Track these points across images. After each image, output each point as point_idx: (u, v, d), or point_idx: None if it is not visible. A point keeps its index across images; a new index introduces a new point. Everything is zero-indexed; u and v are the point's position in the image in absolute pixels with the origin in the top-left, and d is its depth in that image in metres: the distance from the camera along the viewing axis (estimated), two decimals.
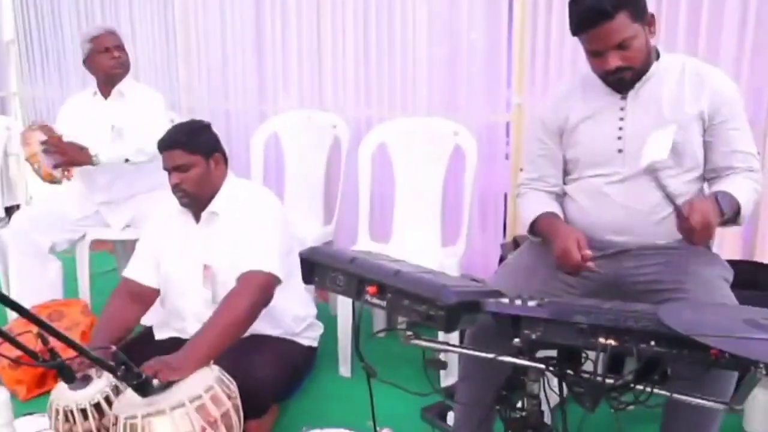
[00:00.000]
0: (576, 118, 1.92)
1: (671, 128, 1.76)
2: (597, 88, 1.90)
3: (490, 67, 3.09)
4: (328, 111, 3.40)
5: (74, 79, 4.28)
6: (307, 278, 1.52)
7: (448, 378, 2.53)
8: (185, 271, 2.27)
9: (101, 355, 1.69)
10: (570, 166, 1.99)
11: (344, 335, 2.69)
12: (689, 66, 1.86)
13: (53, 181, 2.85)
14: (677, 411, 1.77)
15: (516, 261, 2.06)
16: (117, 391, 1.87)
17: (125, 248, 3.43)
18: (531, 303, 1.34)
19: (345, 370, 2.72)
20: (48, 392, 1.93)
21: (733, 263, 1.93)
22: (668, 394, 1.27)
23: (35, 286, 2.95)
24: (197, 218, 2.27)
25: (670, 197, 1.65)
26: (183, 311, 2.29)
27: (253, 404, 1.98)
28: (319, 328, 2.55)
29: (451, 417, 2.24)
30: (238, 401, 1.86)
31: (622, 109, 1.87)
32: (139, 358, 1.79)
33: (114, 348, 1.72)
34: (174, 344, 2.27)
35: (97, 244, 3.18)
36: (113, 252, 3.63)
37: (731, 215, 1.74)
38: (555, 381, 1.39)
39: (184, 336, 2.26)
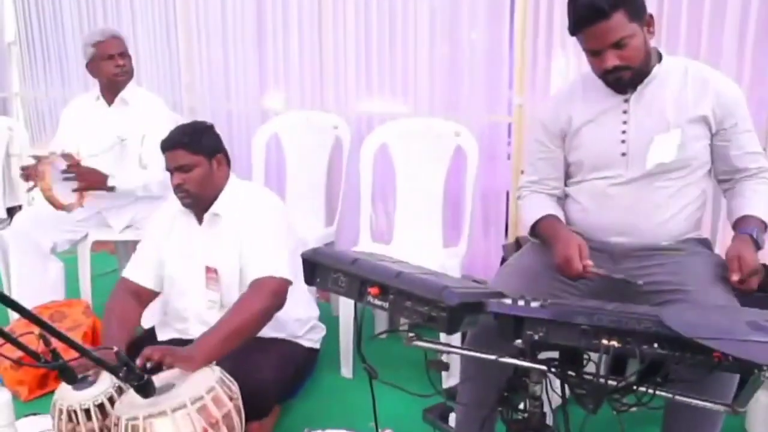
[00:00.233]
0: (579, 121, 1.92)
1: (677, 132, 1.77)
2: (599, 89, 1.90)
3: (491, 68, 3.09)
4: (330, 112, 3.40)
5: (76, 80, 4.28)
6: (309, 279, 1.52)
7: (450, 379, 2.53)
8: (187, 272, 2.27)
9: (103, 355, 1.69)
10: (573, 168, 1.99)
11: (346, 336, 2.69)
12: (692, 69, 1.86)
13: (65, 209, 2.83)
14: (678, 413, 1.77)
15: (518, 262, 2.06)
16: (120, 391, 1.87)
17: (126, 249, 3.43)
18: (533, 304, 1.34)
19: (346, 371, 2.72)
20: (50, 393, 1.94)
21: None
22: (671, 396, 1.27)
23: (37, 286, 2.95)
24: (199, 219, 2.27)
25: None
26: (185, 312, 2.30)
27: (254, 405, 1.98)
28: (322, 330, 2.55)
29: (452, 418, 2.24)
30: (240, 402, 1.86)
31: (625, 111, 1.87)
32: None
33: (116, 349, 1.72)
34: (176, 345, 2.28)
35: (98, 245, 3.18)
36: (114, 253, 3.63)
37: (762, 239, 1.79)
38: (557, 382, 1.39)
39: (185, 337, 2.27)
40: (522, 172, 2.19)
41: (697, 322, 1.23)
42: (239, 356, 2.05)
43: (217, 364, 1.96)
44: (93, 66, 2.99)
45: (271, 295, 2.08)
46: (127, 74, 3.01)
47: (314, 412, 2.44)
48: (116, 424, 1.74)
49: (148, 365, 1.83)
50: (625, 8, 1.71)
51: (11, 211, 3.55)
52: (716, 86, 1.83)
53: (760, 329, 1.18)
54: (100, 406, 1.83)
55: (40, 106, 4.57)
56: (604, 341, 1.24)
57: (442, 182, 2.98)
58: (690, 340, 1.14)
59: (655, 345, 1.22)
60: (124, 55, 3.00)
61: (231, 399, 1.82)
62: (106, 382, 1.88)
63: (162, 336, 2.34)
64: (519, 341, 1.34)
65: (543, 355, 1.38)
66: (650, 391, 1.24)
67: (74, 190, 2.85)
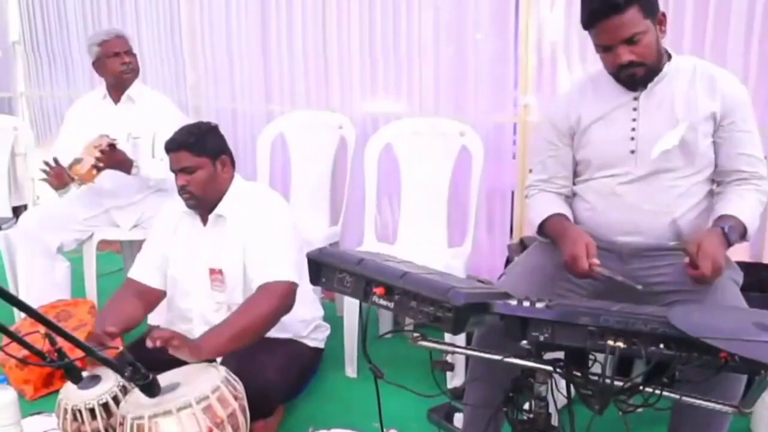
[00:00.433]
0: (588, 119, 1.92)
1: (682, 125, 1.77)
2: (608, 87, 1.89)
3: (496, 68, 3.08)
4: (335, 111, 3.40)
5: (81, 80, 4.29)
6: (314, 279, 1.52)
7: (455, 379, 2.53)
8: (191, 273, 2.27)
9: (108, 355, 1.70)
10: (581, 167, 1.99)
11: (351, 336, 2.69)
12: (701, 67, 1.86)
13: (79, 182, 2.78)
14: (685, 414, 1.76)
15: (523, 262, 2.06)
16: (125, 391, 1.88)
17: (132, 248, 3.43)
18: (539, 305, 1.33)
19: (351, 370, 2.72)
20: (55, 392, 1.94)
21: (742, 266, 1.93)
22: (678, 396, 1.26)
23: (43, 286, 2.95)
24: (204, 220, 2.27)
25: (682, 245, 1.70)
26: (189, 313, 2.30)
27: (259, 405, 1.98)
28: (326, 330, 2.55)
29: (457, 418, 2.24)
30: (245, 402, 1.86)
31: (634, 109, 1.86)
32: (146, 359, 1.79)
33: (121, 348, 1.72)
34: None
35: (104, 244, 3.19)
36: (120, 252, 3.64)
37: (738, 240, 1.76)
38: (562, 383, 1.38)
39: (190, 338, 2.27)
40: (530, 171, 2.18)
41: (704, 322, 1.22)
42: (244, 356, 2.05)
43: (222, 364, 1.97)
44: (99, 65, 3.00)
45: (280, 298, 2.08)
46: (133, 72, 3.02)
47: (318, 411, 2.44)
48: (121, 424, 1.74)
49: (157, 344, 1.85)
50: (639, 4, 1.71)
51: (17, 211, 3.56)
52: (723, 85, 1.83)
53: (767, 330, 1.17)
54: (105, 406, 1.83)
55: (45, 105, 4.57)
56: (610, 342, 1.24)
57: (447, 182, 2.98)
58: (697, 341, 1.14)
59: (662, 346, 1.22)
60: (130, 53, 3.02)
61: (236, 398, 1.82)
62: (110, 382, 1.89)
63: None
64: (525, 342, 1.34)
65: (549, 356, 1.38)
66: (657, 392, 1.24)
67: (93, 166, 2.76)
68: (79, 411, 1.82)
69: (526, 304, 1.34)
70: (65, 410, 1.84)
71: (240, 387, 1.87)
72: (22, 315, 1.49)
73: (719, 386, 1.51)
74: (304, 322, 2.40)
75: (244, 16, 3.64)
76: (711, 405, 1.28)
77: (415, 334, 1.48)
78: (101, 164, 2.78)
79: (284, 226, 2.24)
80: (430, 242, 2.95)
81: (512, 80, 3.08)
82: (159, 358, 1.90)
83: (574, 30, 2.87)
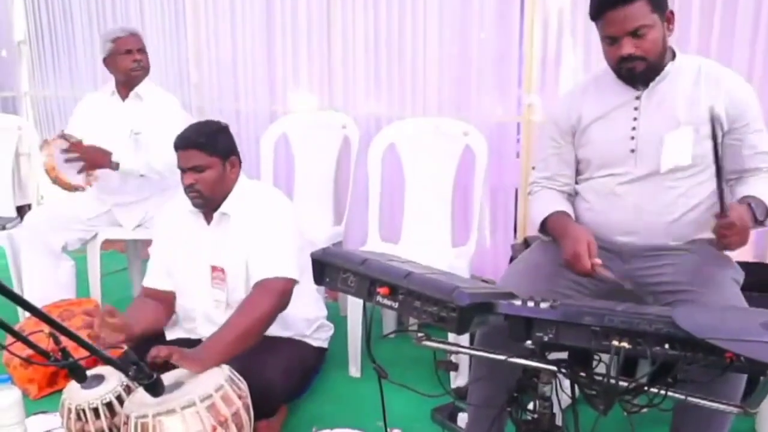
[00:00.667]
0: (588, 118, 1.92)
1: (688, 130, 1.76)
2: (611, 86, 1.89)
3: (500, 67, 3.08)
4: (338, 111, 3.40)
5: (85, 79, 4.30)
6: (318, 279, 1.52)
7: (459, 379, 2.53)
8: (194, 271, 2.27)
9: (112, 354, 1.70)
10: (582, 165, 1.99)
11: (354, 336, 2.69)
12: (705, 67, 1.85)
13: (75, 189, 2.84)
14: (687, 414, 1.76)
15: (527, 261, 2.06)
16: (129, 390, 1.88)
17: (136, 247, 3.45)
18: (543, 305, 1.33)
19: (355, 370, 2.72)
20: (59, 391, 1.94)
21: (743, 265, 1.92)
22: (683, 397, 1.26)
23: (47, 285, 2.96)
24: (208, 219, 2.27)
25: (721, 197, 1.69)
26: (192, 312, 2.30)
27: (263, 404, 1.99)
28: (330, 329, 2.55)
29: (461, 418, 2.24)
30: (249, 401, 1.87)
31: (635, 108, 1.86)
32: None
33: (126, 347, 1.72)
34: (184, 345, 2.28)
35: (108, 244, 3.19)
36: (124, 251, 3.64)
37: (763, 220, 1.77)
38: (566, 383, 1.38)
39: (193, 336, 2.28)
40: (533, 168, 2.18)
41: (709, 323, 1.22)
42: (248, 355, 2.05)
43: (226, 363, 1.97)
44: (110, 61, 3.01)
45: (276, 295, 2.08)
46: (144, 69, 3.03)
47: (322, 411, 2.44)
48: (125, 423, 1.74)
49: (158, 360, 1.85)
50: None
51: (21, 210, 3.56)
52: (729, 85, 1.82)
53: None
54: (109, 405, 1.84)
55: (49, 105, 4.58)
56: (615, 342, 1.24)
57: (451, 182, 2.97)
58: (702, 341, 1.14)
59: (666, 346, 1.22)
60: (142, 51, 3.04)
61: (240, 397, 1.82)
62: (114, 381, 1.89)
63: (170, 335, 2.35)
64: (529, 342, 1.34)
65: (553, 356, 1.37)
66: (662, 392, 1.24)
67: (79, 172, 2.84)
68: (83, 410, 1.82)
69: (531, 304, 1.34)
70: (69, 410, 1.84)
71: (244, 386, 1.88)
72: (27, 314, 1.50)
73: (721, 386, 1.51)
74: (307, 321, 2.40)
75: (248, 16, 3.64)
76: (716, 405, 1.27)
77: (419, 334, 1.48)
78: (82, 166, 2.83)
79: (285, 223, 2.24)
80: (433, 242, 2.95)
81: (516, 80, 3.08)
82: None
83: (579, 30, 2.87)
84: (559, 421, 1.49)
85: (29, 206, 3.61)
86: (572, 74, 2.91)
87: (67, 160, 2.82)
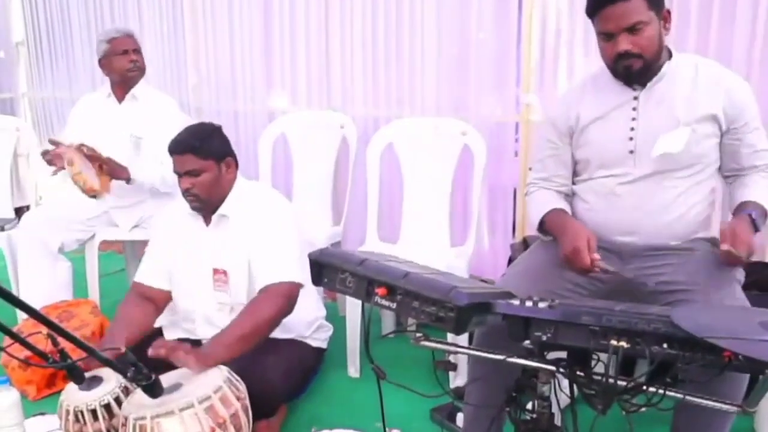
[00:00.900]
0: (587, 119, 1.92)
1: (685, 129, 1.76)
2: (609, 87, 1.89)
3: (499, 67, 3.08)
4: (337, 111, 3.40)
5: (83, 81, 4.30)
6: (316, 280, 1.52)
7: (458, 379, 2.53)
8: (194, 273, 2.27)
9: (110, 356, 1.70)
10: (580, 166, 1.99)
11: (353, 336, 2.68)
12: (702, 66, 1.85)
13: (93, 194, 2.83)
14: (688, 414, 1.76)
15: (526, 261, 2.06)
16: (127, 392, 1.88)
17: (134, 248, 3.44)
18: (542, 304, 1.33)
19: (353, 370, 2.72)
20: (58, 392, 1.94)
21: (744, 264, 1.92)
22: (681, 396, 1.26)
23: (45, 286, 2.95)
24: (207, 221, 2.27)
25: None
26: (192, 313, 2.30)
27: (262, 405, 1.99)
28: (329, 330, 2.55)
29: (460, 418, 2.23)
30: (247, 402, 1.87)
31: (634, 109, 1.86)
32: (149, 359, 1.80)
33: (124, 349, 1.72)
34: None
35: (105, 245, 3.19)
36: (122, 252, 3.64)
37: (762, 225, 1.78)
38: (565, 382, 1.38)
39: (193, 337, 2.27)
40: (530, 169, 2.18)
41: (707, 322, 1.22)
42: (247, 356, 2.05)
43: (224, 364, 1.97)
44: (106, 62, 3.00)
45: (283, 299, 2.08)
46: (140, 70, 3.03)
47: (321, 411, 2.44)
48: (124, 424, 1.74)
49: (161, 353, 1.85)
50: None
51: (19, 211, 3.56)
52: (727, 85, 1.82)
53: None
54: (107, 407, 1.83)
55: (47, 106, 4.58)
56: (613, 342, 1.23)
57: (449, 182, 2.97)
58: (700, 340, 1.13)
59: (665, 345, 1.21)
60: (138, 51, 3.03)
61: (238, 398, 1.82)
62: (112, 383, 1.89)
63: (169, 336, 2.34)
64: (527, 342, 1.33)
65: (552, 356, 1.37)
66: (661, 391, 1.23)
67: (97, 175, 2.82)
68: (81, 412, 1.82)
69: (529, 304, 1.34)
70: (67, 411, 1.84)
71: (242, 387, 1.87)
72: (25, 315, 1.49)
73: (722, 385, 1.51)
74: (306, 322, 2.40)
75: (246, 17, 3.64)
76: (715, 404, 1.27)
77: (418, 334, 1.48)
78: (105, 173, 2.83)
79: (287, 226, 2.24)
80: (432, 242, 2.95)
81: (514, 79, 3.08)
82: (160, 358, 1.90)
83: (577, 29, 2.87)
84: (557, 421, 1.49)
85: (27, 207, 3.61)
86: (570, 74, 2.91)
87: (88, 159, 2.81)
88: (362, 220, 3.09)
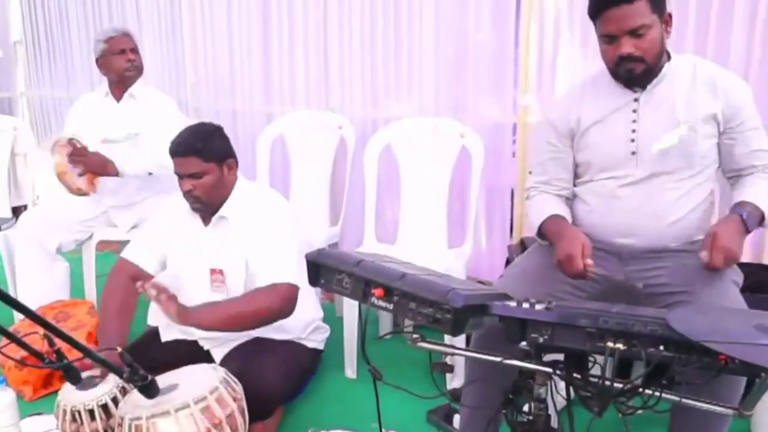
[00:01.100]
0: (588, 121, 1.92)
1: (683, 127, 1.77)
2: (608, 88, 1.89)
3: (497, 68, 3.08)
4: (335, 112, 3.40)
5: (81, 80, 4.29)
6: (313, 280, 1.51)
7: (455, 381, 2.53)
8: (192, 273, 2.27)
9: (107, 356, 1.69)
10: (581, 169, 1.98)
11: (350, 337, 2.68)
12: (701, 67, 1.85)
13: (81, 193, 2.86)
14: (685, 416, 1.76)
15: (523, 263, 2.05)
16: (124, 392, 1.88)
17: None
18: (538, 306, 1.33)
19: (351, 372, 2.71)
20: (54, 393, 1.94)
21: (742, 266, 1.92)
22: (677, 398, 1.26)
23: (42, 286, 2.95)
24: (206, 221, 2.26)
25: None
26: None
27: (258, 406, 1.98)
28: (326, 331, 2.54)
29: (456, 420, 2.23)
30: (244, 403, 1.86)
31: (634, 111, 1.86)
32: (145, 360, 1.79)
33: (120, 349, 1.72)
34: (180, 345, 2.28)
35: (103, 245, 3.18)
36: (119, 252, 3.62)
37: (755, 226, 1.77)
38: (562, 384, 1.38)
39: (189, 338, 2.27)
40: (530, 172, 2.17)
41: (703, 325, 1.22)
42: (243, 357, 2.05)
43: (222, 365, 1.97)
44: (103, 61, 2.99)
45: (283, 299, 2.08)
46: (137, 70, 3.02)
47: (318, 412, 2.44)
48: (120, 425, 1.74)
49: (148, 290, 1.89)
50: None
51: (16, 211, 3.56)
52: (725, 85, 1.82)
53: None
54: (104, 407, 1.83)
55: (45, 105, 4.58)
56: (610, 344, 1.23)
57: (447, 183, 2.97)
58: (696, 343, 1.13)
59: (661, 347, 1.21)
60: (135, 51, 3.02)
61: (235, 399, 1.82)
62: (109, 383, 1.88)
63: (166, 336, 2.34)
64: (524, 343, 1.33)
65: (548, 358, 1.37)
66: (657, 393, 1.23)
67: (80, 175, 2.86)
68: (78, 412, 1.82)
69: (526, 305, 1.34)
70: (64, 411, 1.84)
71: (239, 388, 1.87)
72: (22, 316, 1.49)
73: (719, 388, 1.50)
74: (303, 323, 2.39)
75: (245, 17, 3.64)
76: (711, 407, 1.27)
77: (414, 336, 1.48)
78: (83, 170, 2.85)
79: (287, 228, 2.23)
80: (430, 243, 2.95)
81: (512, 80, 3.08)
82: (158, 359, 1.90)
83: (575, 30, 2.87)
84: (554, 423, 1.49)
85: (25, 207, 3.61)
86: (568, 75, 2.91)
87: (71, 162, 2.84)
88: (360, 221, 3.09)
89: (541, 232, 1.96)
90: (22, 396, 2.49)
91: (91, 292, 3.16)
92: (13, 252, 3.06)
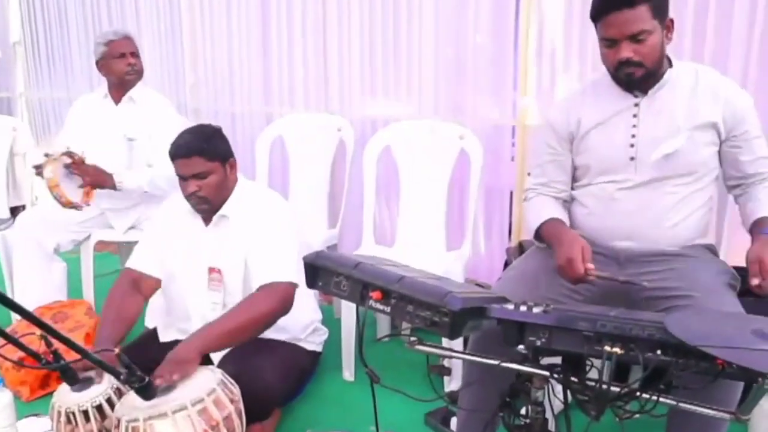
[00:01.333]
0: (588, 124, 1.92)
1: (685, 133, 1.77)
2: (609, 92, 1.89)
3: (496, 70, 3.09)
4: (334, 114, 3.40)
5: (81, 81, 4.29)
6: (311, 283, 1.51)
7: (452, 383, 2.52)
8: (191, 272, 2.26)
9: (104, 357, 1.69)
10: (580, 172, 1.99)
11: (348, 340, 2.68)
12: (702, 74, 1.86)
13: (73, 207, 2.83)
14: (682, 420, 1.75)
15: (521, 266, 2.05)
16: (119, 393, 1.87)
17: (130, 250, 3.42)
18: (536, 309, 1.33)
19: (348, 374, 2.71)
20: (52, 393, 1.93)
21: (740, 270, 1.91)
22: (674, 402, 1.26)
23: (40, 287, 2.95)
24: (207, 221, 2.26)
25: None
26: (187, 313, 2.29)
27: (256, 408, 1.98)
28: (324, 333, 2.54)
29: (454, 423, 2.23)
30: (241, 405, 1.86)
31: (634, 115, 1.86)
32: (144, 360, 1.79)
33: (118, 350, 1.71)
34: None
35: (101, 245, 3.18)
36: (117, 253, 3.63)
37: None
38: (559, 388, 1.38)
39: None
40: (528, 174, 2.17)
41: (700, 329, 1.22)
42: (241, 359, 2.04)
43: (219, 367, 1.96)
44: (103, 64, 2.99)
45: (280, 298, 2.08)
46: (137, 73, 3.01)
47: (315, 414, 2.43)
48: (117, 426, 1.73)
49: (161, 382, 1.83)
50: (650, 3, 1.72)
51: (14, 211, 3.55)
52: (727, 93, 1.82)
53: (765, 338, 1.17)
54: (99, 408, 1.83)
55: (44, 106, 4.57)
56: (607, 347, 1.23)
57: (446, 185, 2.97)
58: (693, 347, 1.13)
59: (659, 352, 1.21)
60: (135, 54, 3.01)
61: (232, 401, 1.81)
62: (104, 384, 1.88)
63: (164, 337, 2.34)
64: (522, 347, 1.33)
65: (546, 361, 1.37)
66: (654, 398, 1.23)
67: (80, 186, 2.85)
68: (73, 414, 1.81)
69: (523, 308, 1.34)
70: (59, 413, 1.83)
71: (236, 389, 1.87)
72: (19, 316, 1.49)
73: (716, 392, 1.51)
74: (302, 325, 2.39)
75: (244, 18, 3.64)
76: (708, 411, 1.27)
77: (412, 339, 1.47)
78: (83, 182, 2.84)
79: (287, 228, 2.24)
80: (428, 245, 2.95)
81: (511, 83, 3.08)
82: (155, 359, 1.89)
83: (574, 33, 2.87)
84: (551, 427, 1.49)
85: (23, 207, 3.61)
86: (567, 78, 2.91)
87: (68, 175, 2.82)
88: (359, 224, 3.09)
89: (539, 235, 1.96)
90: (19, 397, 2.49)
91: (88, 293, 3.16)
92: (10, 252, 3.06)
